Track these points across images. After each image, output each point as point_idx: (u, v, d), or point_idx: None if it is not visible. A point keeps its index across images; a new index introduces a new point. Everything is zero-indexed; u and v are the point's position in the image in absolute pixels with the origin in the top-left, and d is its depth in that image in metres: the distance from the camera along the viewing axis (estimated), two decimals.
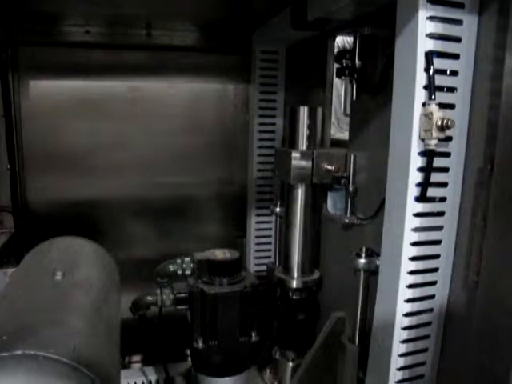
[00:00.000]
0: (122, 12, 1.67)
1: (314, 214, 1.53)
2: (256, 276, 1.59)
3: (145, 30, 1.89)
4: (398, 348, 1.01)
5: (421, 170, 0.93)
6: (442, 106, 0.90)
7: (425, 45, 0.89)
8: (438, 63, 0.90)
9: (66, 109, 1.88)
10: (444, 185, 0.97)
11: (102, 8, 1.59)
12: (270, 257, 1.94)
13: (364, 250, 1.20)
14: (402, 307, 0.99)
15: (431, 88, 0.89)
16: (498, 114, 0.86)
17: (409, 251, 0.97)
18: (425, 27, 0.89)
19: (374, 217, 1.24)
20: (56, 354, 0.73)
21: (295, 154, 1.43)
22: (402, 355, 1.02)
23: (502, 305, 0.86)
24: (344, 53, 1.29)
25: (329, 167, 1.41)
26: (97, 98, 1.91)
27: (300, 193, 1.49)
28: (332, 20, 1.32)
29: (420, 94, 0.90)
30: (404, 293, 0.99)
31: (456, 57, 0.92)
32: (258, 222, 1.94)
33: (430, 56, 0.89)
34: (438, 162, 0.94)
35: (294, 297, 1.53)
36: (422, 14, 0.88)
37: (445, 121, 0.87)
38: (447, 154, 0.95)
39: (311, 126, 1.46)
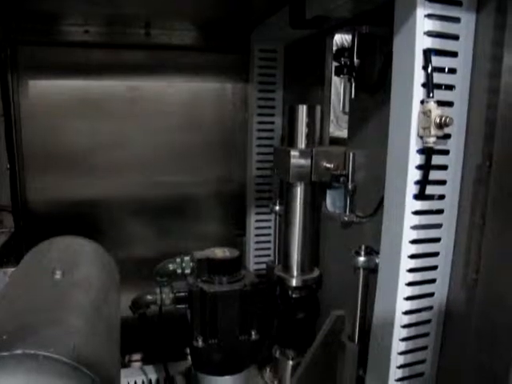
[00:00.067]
0: (121, 11, 1.67)
1: (314, 212, 1.53)
2: (256, 274, 1.59)
3: (144, 29, 1.89)
4: (397, 346, 1.01)
5: (419, 167, 0.93)
6: (440, 103, 0.90)
7: (423, 43, 0.89)
8: (436, 61, 0.90)
9: (65, 108, 1.88)
10: (443, 182, 0.97)
11: (102, 8, 1.59)
12: (269, 255, 1.94)
13: (363, 248, 1.21)
14: (402, 305, 0.99)
15: (429, 86, 0.89)
16: (496, 112, 0.86)
17: (408, 249, 0.97)
18: (423, 25, 0.88)
19: (373, 215, 1.24)
20: (56, 354, 0.73)
21: (294, 153, 1.43)
22: (401, 353, 1.02)
23: (501, 302, 0.86)
24: (342, 51, 1.30)
25: (328, 165, 1.41)
26: (96, 98, 1.91)
27: (299, 191, 1.49)
28: (330, 18, 1.32)
29: (418, 92, 0.90)
30: (403, 291, 0.99)
31: (454, 55, 0.92)
32: (257, 221, 1.94)
33: (428, 54, 0.89)
34: (436, 159, 0.94)
35: (294, 295, 1.53)
36: (420, 11, 0.88)
37: (443, 118, 0.87)
38: (446, 152, 0.95)
39: (310, 125, 1.46)
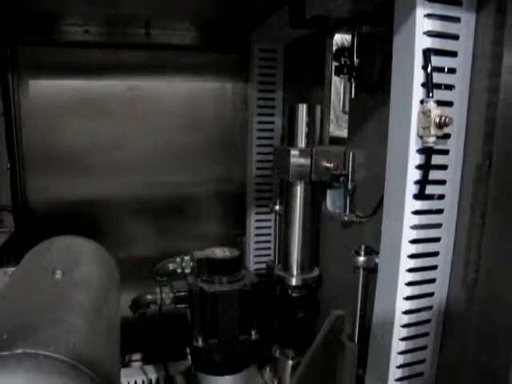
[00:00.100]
0: (121, 11, 1.67)
1: (313, 211, 1.53)
2: (255, 274, 1.59)
3: (144, 29, 1.89)
4: (397, 346, 1.01)
5: (419, 167, 0.93)
6: (440, 103, 0.90)
7: (422, 42, 0.89)
8: (435, 61, 0.90)
9: (65, 108, 1.88)
10: (442, 182, 0.97)
11: (102, 8, 1.59)
12: (269, 255, 1.94)
13: (363, 248, 1.21)
14: (401, 305, 1.00)
15: (429, 85, 0.89)
16: (496, 111, 0.86)
17: (408, 249, 0.97)
18: (422, 25, 0.89)
19: (372, 215, 1.25)
20: (56, 353, 0.73)
21: (294, 152, 1.43)
22: (401, 353, 1.02)
23: (501, 302, 0.86)
24: (342, 51, 1.30)
25: (328, 165, 1.41)
26: (96, 98, 1.91)
27: (299, 190, 1.49)
28: (330, 18, 1.32)
29: (418, 92, 0.90)
30: (403, 290, 0.99)
31: (454, 54, 0.92)
32: (257, 221, 1.95)
33: (427, 54, 0.89)
34: (436, 159, 0.94)
35: (294, 294, 1.54)
36: (420, 11, 0.88)
37: (443, 118, 0.87)
38: (445, 152, 0.95)
39: (310, 124, 1.46)
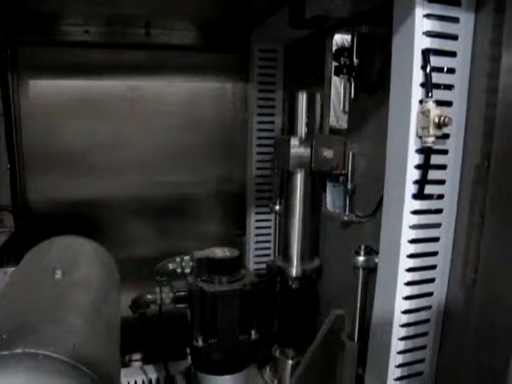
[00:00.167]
0: (121, 11, 1.67)
1: (314, 201, 1.53)
2: (255, 274, 1.59)
3: (144, 29, 1.89)
4: (396, 345, 1.01)
5: (418, 167, 0.93)
6: (439, 103, 0.90)
7: (422, 43, 0.89)
8: (434, 61, 0.90)
9: (65, 108, 1.88)
10: (441, 182, 0.97)
11: (102, 8, 1.59)
12: (269, 255, 1.94)
13: (363, 247, 1.21)
14: (401, 304, 1.00)
15: (428, 85, 0.90)
16: (495, 112, 0.86)
17: (407, 249, 0.97)
18: (421, 25, 0.89)
19: (372, 215, 1.25)
20: (55, 353, 0.73)
21: (294, 141, 1.43)
22: (400, 352, 1.02)
23: (500, 302, 0.86)
24: (342, 51, 1.30)
25: (328, 154, 1.41)
26: (96, 98, 1.91)
27: (299, 180, 1.49)
28: (330, 18, 1.32)
29: (417, 92, 0.91)
30: (402, 290, 0.99)
31: (453, 54, 0.92)
32: (257, 221, 1.95)
33: (426, 54, 0.89)
34: (435, 159, 0.94)
35: (294, 285, 1.54)
36: (419, 11, 0.88)
37: (442, 118, 0.88)
38: (444, 152, 0.95)
39: (310, 112, 1.46)
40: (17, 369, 0.72)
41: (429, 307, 1.02)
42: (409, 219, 0.96)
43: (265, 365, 1.72)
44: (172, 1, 1.54)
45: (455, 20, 0.91)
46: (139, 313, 1.44)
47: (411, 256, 0.98)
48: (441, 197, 0.98)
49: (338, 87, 1.67)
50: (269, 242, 1.95)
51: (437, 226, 0.99)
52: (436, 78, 0.91)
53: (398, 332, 1.01)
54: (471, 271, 0.94)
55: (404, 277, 0.99)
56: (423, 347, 1.04)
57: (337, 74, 1.40)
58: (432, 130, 0.88)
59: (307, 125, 1.46)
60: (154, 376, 1.72)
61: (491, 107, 0.89)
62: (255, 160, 1.90)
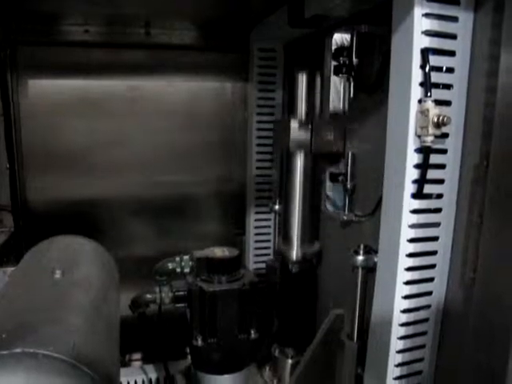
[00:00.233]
0: (121, 11, 1.67)
1: (314, 184, 1.53)
2: (255, 274, 1.59)
3: (143, 28, 1.89)
4: (395, 344, 1.02)
5: (417, 166, 0.93)
6: (438, 102, 0.90)
7: (421, 42, 0.89)
8: (433, 60, 0.90)
9: (65, 108, 1.88)
10: (441, 181, 0.97)
11: (101, 7, 1.59)
12: (269, 254, 1.94)
13: (362, 247, 1.21)
14: (400, 304, 1.00)
15: (427, 85, 0.90)
16: (494, 111, 0.86)
17: (406, 248, 0.97)
18: (420, 24, 0.89)
19: (371, 214, 1.25)
20: (55, 352, 0.74)
21: (294, 122, 1.43)
22: (399, 351, 1.02)
23: (499, 302, 0.86)
24: (341, 50, 1.30)
25: (328, 136, 1.40)
26: (96, 97, 1.91)
27: (299, 162, 1.49)
28: (329, 17, 1.32)
29: (416, 91, 0.90)
30: (401, 289, 0.99)
31: (452, 54, 0.92)
32: (257, 220, 1.95)
33: (425, 53, 0.89)
34: (434, 158, 0.94)
35: (294, 269, 1.54)
36: (418, 11, 0.88)
37: (441, 117, 0.88)
38: (444, 151, 0.95)
39: (310, 93, 1.46)
40: (16, 368, 0.72)
41: (428, 306, 1.02)
42: (408, 218, 0.96)
43: (264, 364, 1.72)
44: (172, 0, 1.54)
45: (454, 19, 0.90)
46: (139, 312, 1.45)
47: (410, 255, 0.98)
48: (440, 196, 0.98)
49: (338, 86, 1.67)
50: (268, 241, 1.95)
51: (436, 225, 0.99)
52: (435, 77, 0.91)
53: (397, 331, 1.01)
54: (470, 270, 0.94)
55: (403, 276, 0.99)
56: (422, 346, 1.05)
57: (336, 73, 1.40)
58: (431, 130, 0.88)
59: (307, 105, 1.46)
60: (153, 375, 1.73)
61: (490, 107, 0.88)
62: (255, 159, 1.90)
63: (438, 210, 0.98)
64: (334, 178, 1.44)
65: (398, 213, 0.96)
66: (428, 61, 0.89)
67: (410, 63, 0.90)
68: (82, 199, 1.95)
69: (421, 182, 0.94)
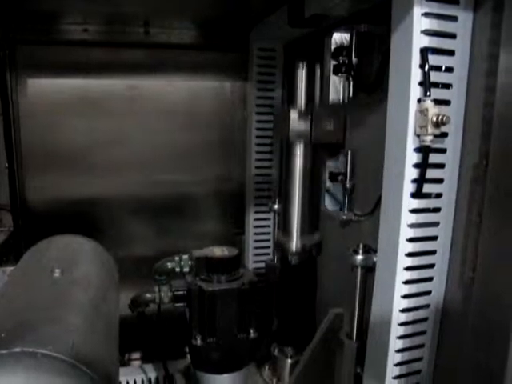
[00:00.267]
0: (120, 10, 1.67)
1: (313, 174, 1.53)
2: (254, 273, 1.59)
3: (143, 28, 1.89)
4: (394, 343, 1.02)
5: (416, 166, 0.93)
6: (437, 102, 0.90)
7: (420, 41, 0.89)
8: (433, 60, 0.90)
9: (64, 107, 1.88)
10: (440, 181, 0.97)
11: (100, 6, 1.59)
12: (268, 254, 1.94)
13: (361, 246, 1.21)
14: (399, 303, 1.00)
15: (426, 84, 0.90)
16: (493, 111, 0.86)
17: (405, 247, 0.97)
18: (420, 24, 0.89)
19: (371, 213, 1.25)
20: (54, 352, 0.74)
21: (294, 112, 1.43)
22: (398, 351, 1.02)
23: (498, 301, 0.86)
24: (341, 50, 1.30)
25: (328, 126, 1.40)
26: (95, 96, 1.91)
27: (299, 152, 1.49)
28: (328, 17, 1.32)
29: (415, 91, 0.90)
30: (400, 289, 0.99)
31: (451, 53, 0.92)
32: (256, 219, 1.95)
33: (425, 52, 0.89)
34: (433, 158, 0.94)
35: (293, 260, 1.54)
36: (417, 10, 0.88)
37: (440, 117, 0.87)
38: (443, 150, 0.95)
39: (310, 82, 1.46)
40: (16, 368, 0.72)
41: (427, 306, 1.02)
42: (407, 218, 0.96)
43: (264, 364, 1.72)
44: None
45: (453, 19, 0.90)
46: (138, 311, 1.44)
47: (409, 255, 0.98)
48: (439, 195, 0.98)
49: (338, 86, 1.67)
50: (268, 241, 1.95)
51: (435, 224, 0.99)
52: (434, 76, 0.91)
53: (396, 330, 1.01)
54: (469, 270, 0.94)
55: (402, 275, 0.99)
56: (421, 346, 1.05)
57: (335, 72, 1.40)
58: (430, 129, 0.88)
59: (307, 95, 1.46)
60: (153, 375, 1.73)
61: (489, 106, 0.89)
62: (254, 159, 1.90)
63: (437, 210, 0.98)
64: (333, 177, 1.43)
65: (398, 212, 0.96)
66: (427, 60, 0.89)
67: (409, 62, 0.90)
68: (81, 198, 1.95)
69: (420, 181, 0.94)
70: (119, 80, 1.94)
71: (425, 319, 1.03)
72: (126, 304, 1.42)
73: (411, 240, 0.97)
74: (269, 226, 1.95)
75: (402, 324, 1.01)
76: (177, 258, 1.49)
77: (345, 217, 1.37)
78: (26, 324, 0.80)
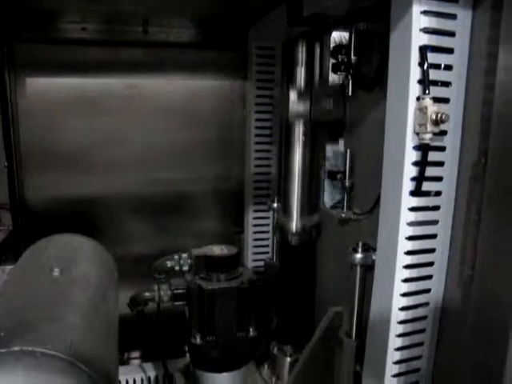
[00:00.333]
0: (119, 9, 1.67)
1: (313, 154, 1.53)
2: (254, 272, 1.59)
3: (141, 26, 1.88)
4: (394, 342, 1.02)
5: (416, 164, 0.93)
6: (436, 100, 0.90)
7: (419, 39, 0.89)
8: (432, 58, 0.90)
9: (62, 106, 1.88)
10: (439, 179, 0.97)
11: (99, 5, 1.59)
12: (267, 252, 1.94)
13: (360, 244, 1.21)
14: (398, 301, 1.00)
15: (425, 82, 0.90)
16: (492, 109, 0.86)
17: (404, 245, 0.97)
18: (419, 22, 0.88)
19: (370, 212, 1.25)
20: (53, 350, 0.73)
21: (293, 91, 1.43)
22: (398, 349, 1.02)
23: (497, 299, 0.86)
24: (340, 48, 1.30)
25: (327, 105, 1.40)
26: (94, 96, 1.91)
27: (298, 131, 1.49)
28: (327, 15, 1.31)
29: (414, 89, 0.90)
30: (400, 287, 0.99)
31: (450, 51, 0.92)
32: (255, 218, 1.94)
33: (424, 50, 0.89)
34: (432, 156, 0.94)
35: (293, 241, 1.55)
36: (416, 8, 0.88)
37: (439, 115, 0.87)
38: (442, 148, 0.95)
39: (309, 62, 1.46)
40: (15, 367, 0.72)
41: (426, 304, 1.03)
42: (406, 216, 0.96)
43: (263, 362, 1.72)
44: None
45: (452, 17, 0.90)
46: (137, 310, 1.44)
47: (409, 253, 0.98)
48: (438, 194, 0.98)
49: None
50: (267, 239, 1.95)
51: (434, 222, 0.99)
52: (433, 74, 0.90)
53: (395, 329, 1.01)
54: (468, 268, 0.94)
55: (401, 274, 0.99)
56: (420, 344, 1.05)
57: (334, 71, 1.40)
58: (429, 127, 0.88)
59: (306, 74, 1.47)
60: (152, 374, 1.73)
61: (488, 104, 0.89)
62: (253, 157, 1.90)
63: (436, 208, 0.99)
64: (332, 175, 1.43)
65: (397, 210, 0.96)
66: (426, 58, 0.89)
67: (408, 61, 0.90)
68: (80, 197, 1.95)
69: (419, 179, 0.94)
70: (118, 79, 1.94)
71: (424, 317, 1.03)
72: (126, 303, 1.42)
73: (410, 238, 0.98)
74: (268, 225, 1.95)
75: (401, 322, 1.01)
76: (176, 257, 1.49)
77: (344, 215, 1.37)
78: (25, 323, 0.80)
